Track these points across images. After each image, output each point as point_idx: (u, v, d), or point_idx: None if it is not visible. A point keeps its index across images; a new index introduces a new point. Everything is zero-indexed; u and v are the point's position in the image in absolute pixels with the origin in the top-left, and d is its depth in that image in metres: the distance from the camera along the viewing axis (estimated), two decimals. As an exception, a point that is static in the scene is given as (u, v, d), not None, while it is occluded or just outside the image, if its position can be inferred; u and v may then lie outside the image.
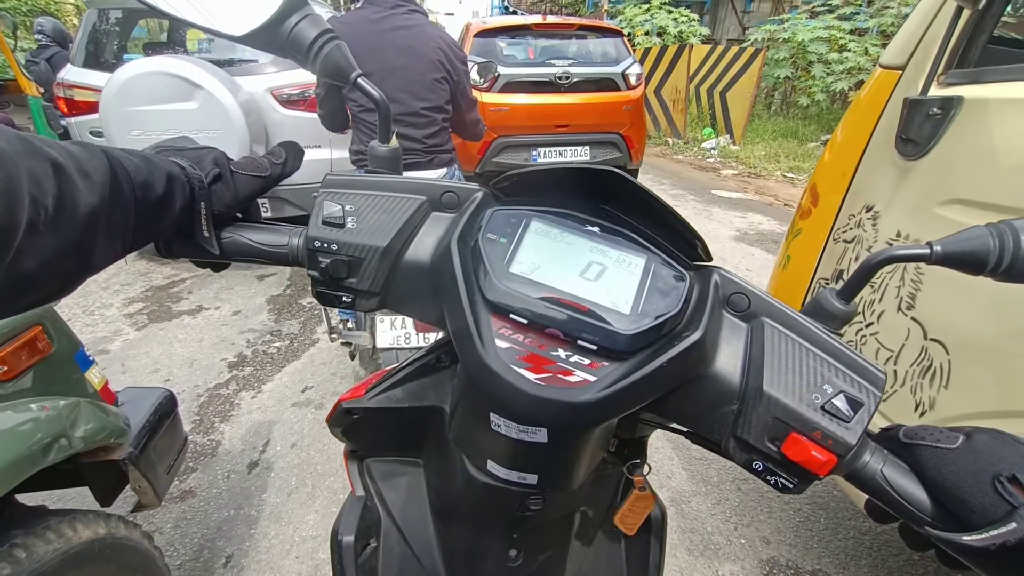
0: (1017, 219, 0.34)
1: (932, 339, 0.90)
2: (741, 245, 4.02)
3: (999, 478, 0.30)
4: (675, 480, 1.83)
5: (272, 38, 0.45)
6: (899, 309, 0.97)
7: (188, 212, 0.39)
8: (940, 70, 0.90)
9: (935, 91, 0.91)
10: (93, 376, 1.04)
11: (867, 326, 1.05)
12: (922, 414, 0.92)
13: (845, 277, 1.14)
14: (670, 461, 1.91)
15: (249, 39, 0.44)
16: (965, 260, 0.34)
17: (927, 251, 0.35)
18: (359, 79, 0.47)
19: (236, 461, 1.89)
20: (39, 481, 0.86)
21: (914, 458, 0.35)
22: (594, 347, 0.35)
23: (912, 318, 0.94)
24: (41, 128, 3.67)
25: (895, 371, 0.99)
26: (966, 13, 0.83)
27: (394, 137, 0.53)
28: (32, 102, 3.63)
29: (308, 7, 0.45)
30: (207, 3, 0.42)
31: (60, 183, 0.29)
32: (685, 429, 0.41)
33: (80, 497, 1.59)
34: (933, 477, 0.33)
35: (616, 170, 0.37)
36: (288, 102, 2.97)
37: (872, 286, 1.04)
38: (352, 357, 2.28)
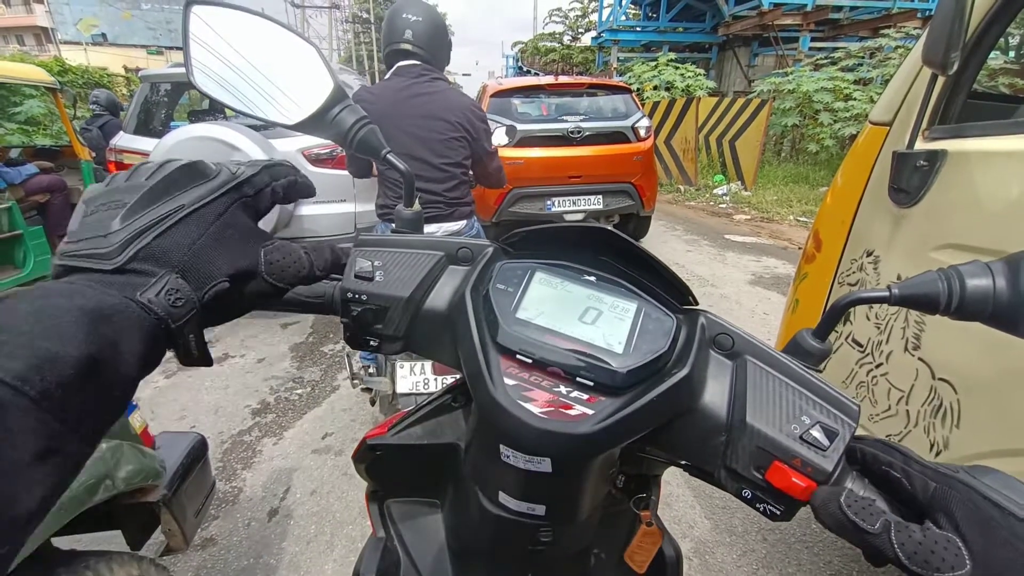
0: (964, 264, 0.38)
1: (940, 379, 0.92)
2: (757, 288, 4.02)
3: None
4: (698, 530, 1.78)
5: (318, 125, 0.53)
6: (906, 350, 0.99)
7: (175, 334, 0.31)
8: (924, 126, 0.97)
9: (921, 145, 0.97)
10: (135, 420, 1.11)
11: (877, 367, 1.07)
12: (937, 454, 0.92)
13: (852, 319, 1.17)
14: (692, 510, 1.87)
15: (299, 127, 0.52)
16: (920, 301, 0.38)
17: (887, 294, 0.39)
18: (388, 155, 0.55)
19: (257, 508, 1.91)
20: (75, 525, 0.89)
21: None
22: (591, 383, 0.39)
23: (919, 358, 0.96)
24: (90, 188, 3.97)
25: (907, 411, 0.99)
26: (942, 77, 0.90)
27: (416, 201, 0.60)
28: (84, 165, 3.95)
29: (348, 99, 0.54)
30: (266, 100, 0.51)
31: None
32: (683, 462, 0.44)
33: (100, 544, 1.62)
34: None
35: (609, 228, 0.43)
36: (317, 160, 3.18)
37: (878, 327, 1.06)
38: (372, 403, 2.32)
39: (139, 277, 0.28)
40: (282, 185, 0.39)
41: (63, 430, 0.22)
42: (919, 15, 9.05)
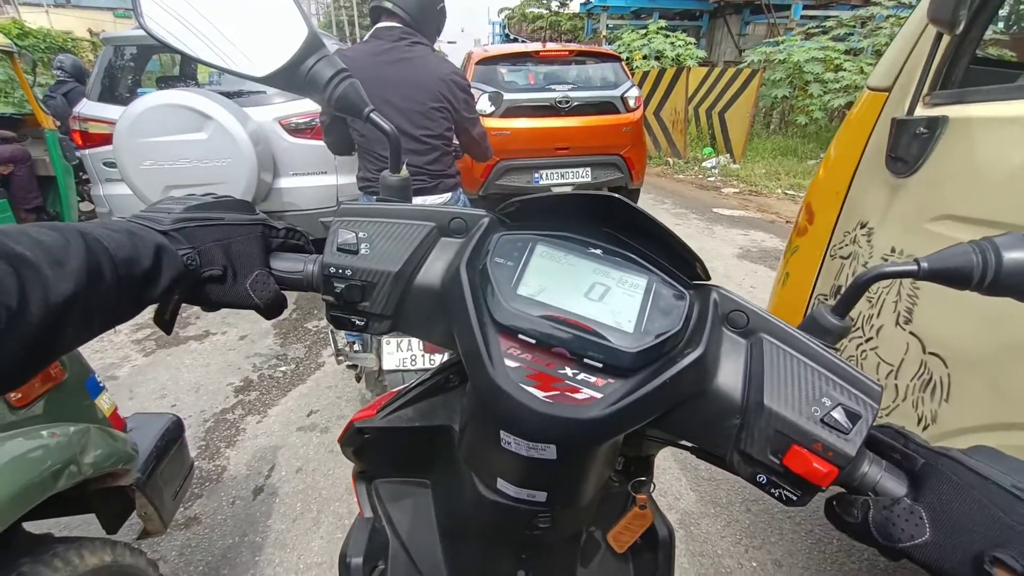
0: (999, 235, 0.35)
1: (931, 353, 0.91)
2: (744, 262, 4.03)
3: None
4: (684, 502, 1.80)
5: (291, 78, 0.47)
6: (897, 324, 0.97)
7: (183, 279, 0.40)
8: (925, 91, 0.93)
9: (921, 111, 0.93)
10: (103, 402, 1.06)
11: (867, 341, 1.06)
12: (925, 427, 0.92)
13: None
14: (678, 482, 1.89)
15: (269, 80, 0.46)
16: (951, 276, 0.35)
17: (915, 268, 0.36)
18: (372, 114, 0.49)
19: (241, 487, 1.89)
20: (46, 508, 0.86)
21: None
22: (600, 365, 0.36)
23: (911, 332, 0.95)
24: (56, 159, 3.78)
25: (896, 385, 0.99)
26: (946, 38, 0.86)
27: (404, 167, 0.55)
28: (48, 135, 3.74)
29: (325, 48, 0.47)
30: (230, 48, 0.45)
31: (23, 279, 0.29)
32: (691, 445, 0.41)
33: (85, 525, 1.59)
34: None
35: (615, 195, 0.38)
36: (296, 131, 3.05)
37: (870, 301, 1.04)
38: (358, 380, 2.29)
39: (174, 243, 0.40)
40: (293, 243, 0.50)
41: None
42: (912, -17, 8.90)
